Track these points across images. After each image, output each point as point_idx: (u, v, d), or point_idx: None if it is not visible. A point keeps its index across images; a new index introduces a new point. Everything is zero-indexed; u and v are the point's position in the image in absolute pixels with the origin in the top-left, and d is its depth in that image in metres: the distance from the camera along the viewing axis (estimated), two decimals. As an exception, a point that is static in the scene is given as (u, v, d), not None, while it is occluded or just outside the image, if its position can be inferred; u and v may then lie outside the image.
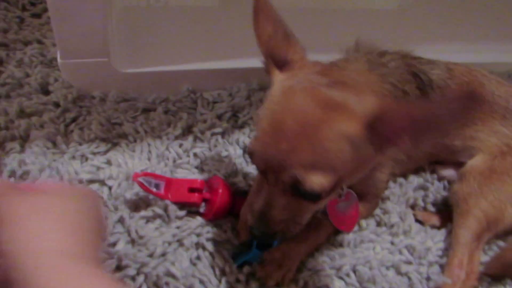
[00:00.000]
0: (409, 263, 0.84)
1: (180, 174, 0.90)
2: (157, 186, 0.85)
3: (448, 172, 1.00)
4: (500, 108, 0.94)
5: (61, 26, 0.88)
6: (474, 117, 0.93)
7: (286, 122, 0.57)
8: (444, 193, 0.98)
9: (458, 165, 0.97)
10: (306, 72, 0.64)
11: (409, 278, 0.81)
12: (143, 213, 0.81)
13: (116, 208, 0.83)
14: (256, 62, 0.70)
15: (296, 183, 0.57)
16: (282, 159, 0.57)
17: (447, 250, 0.88)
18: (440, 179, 1.01)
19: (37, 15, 1.20)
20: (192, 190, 0.84)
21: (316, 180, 0.56)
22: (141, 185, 0.80)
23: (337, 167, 0.57)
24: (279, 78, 0.64)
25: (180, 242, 0.79)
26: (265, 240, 0.74)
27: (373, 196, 0.88)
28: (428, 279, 0.83)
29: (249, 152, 0.63)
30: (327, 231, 0.84)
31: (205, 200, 0.84)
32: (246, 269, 0.77)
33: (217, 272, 0.77)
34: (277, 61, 0.65)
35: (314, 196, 0.60)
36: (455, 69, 0.93)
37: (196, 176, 0.90)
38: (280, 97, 0.61)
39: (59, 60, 0.94)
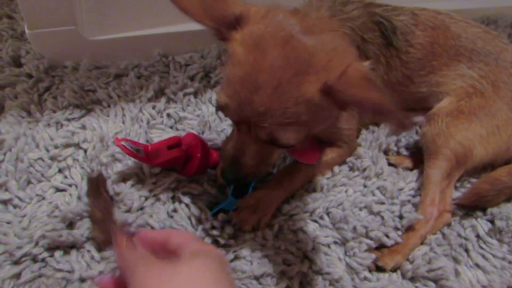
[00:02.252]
0: (382, 203, 0.86)
1: (155, 134, 0.92)
2: (137, 151, 0.86)
3: (419, 118, 1.01)
4: (467, 50, 0.94)
5: (24, -5, 0.89)
6: (440, 63, 0.94)
7: (260, 78, 0.57)
8: (417, 137, 1.00)
9: (427, 110, 0.98)
10: (273, 17, 0.62)
11: (382, 217, 0.84)
12: (118, 171, 0.83)
13: (92, 170, 0.85)
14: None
15: (272, 139, 0.62)
16: (258, 117, 0.59)
17: (420, 190, 0.90)
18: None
19: (5, -8, 1.19)
20: (170, 147, 0.85)
21: (291, 136, 0.61)
22: (124, 149, 0.79)
23: (307, 124, 0.61)
24: (239, 37, 0.61)
25: (157, 197, 0.82)
26: (237, 183, 0.75)
27: (341, 142, 0.89)
28: (401, 217, 0.85)
29: (221, 106, 0.64)
30: (301, 178, 0.86)
31: (185, 157, 0.85)
32: (221, 216, 0.79)
33: (194, 221, 0.79)
34: (226, 22, 0.61)
35: (288, 147, 0.65)
36: (420, 15, 0.93)
37: (171, 136, 0.91)
38: (250, 52, 0.59)
39: (26, 31, 0.94)
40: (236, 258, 0.75)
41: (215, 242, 0.77)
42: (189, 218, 0.80)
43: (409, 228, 0.84)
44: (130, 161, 0.86)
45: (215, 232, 0.77)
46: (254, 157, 0.66)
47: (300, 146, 0.81)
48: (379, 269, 0.80)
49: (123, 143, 0.79)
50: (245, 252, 0.75)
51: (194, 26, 1.11)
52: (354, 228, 0.80)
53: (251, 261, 0.74)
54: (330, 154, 0.89)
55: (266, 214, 0.80)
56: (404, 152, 0.99)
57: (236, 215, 0.79)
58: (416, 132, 1.01)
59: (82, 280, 0.71)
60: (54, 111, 0.93)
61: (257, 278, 0.72)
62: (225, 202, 0.81)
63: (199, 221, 0.79)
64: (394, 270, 0.80)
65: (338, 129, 0.86)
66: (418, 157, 0.96)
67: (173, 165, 0.86)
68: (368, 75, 0.57)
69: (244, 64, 0.59)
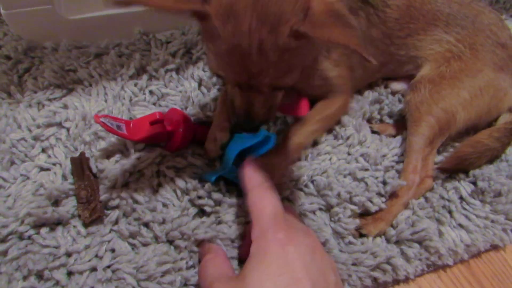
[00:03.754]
0: (365, 169, 0.87)
1: (138, 111, 0.91)
2: (118, 127, 0.85)
3: (401, 86, 1.02)
4: (443, 14, 0.94)
5: (-3, -26, 0.87)
6: (417, 27, 0.94)
7: (244, 45, 0.59)
8: (400, 106, 1.00)
9: (409, 78, 0.99)
10: None
11: (366, 183, 0.84)
12: (102, 148, 0.83)
13: (76, 149, 0.84)
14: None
15: (274, 87, 0.68)
16: (255, 78, 0.64)
17: (403, 155, 0.91)
18: (394, 93, 1.03)
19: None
20: (153, 123, 0.85)
21: (288, 80, 0.67)
22: (104, 125, 0.78)
23: (298, 64, 0.66)
24: (212, 10, 0.60)
25: (141, 172, 0.82)
26: (251, 130, 0.78)
27: (334, 93, 0.88)
28: (384, 183, 0.86)
29: (215, 74, 0.68)
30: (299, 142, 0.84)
31: (168, 132, 0.85)
32: (208, 186, 0.79)
33: (179, 193, 0.79)
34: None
35: (289, 86, 0.69)
36: None
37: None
38: (226, 22, 0.59)
39: (2, 11, 0.93)
40: (220, 223, 0.76)
41: (202, 211, 0.78)
42: (174, 191, 0.80)
43: (393, 195, 0.85)
44: (113, 139, 0.85)
45: (201, 202, 0.77)
46: (263, 106, 0.71)
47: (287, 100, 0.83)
48: (363, 237, 0.81)
49: (102, 119, 0.78)
50: (228, 217, 0.76)
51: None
52: (338, 194, 0.81)
53: (231, 226, 0.75)
54: (326, 109, 0.87)
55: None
56: (387, 119, 0.99)
57: None
58: (399, 101, 1.02)
59: (69, 254, 0.71)
60: (35, 92, 0.92)
61: (232, 241, 0.74)
62: (225, 170, 0.80)
63: (185, 192, 0.79)
64: (378, 236, 0.81)
65: (326, 80, 0.86)
66: (401, 123, 0.97)
67: (156, 141, 0.85)
68: (333, 8, 0.57)
69: (225, 36, 0.60)
